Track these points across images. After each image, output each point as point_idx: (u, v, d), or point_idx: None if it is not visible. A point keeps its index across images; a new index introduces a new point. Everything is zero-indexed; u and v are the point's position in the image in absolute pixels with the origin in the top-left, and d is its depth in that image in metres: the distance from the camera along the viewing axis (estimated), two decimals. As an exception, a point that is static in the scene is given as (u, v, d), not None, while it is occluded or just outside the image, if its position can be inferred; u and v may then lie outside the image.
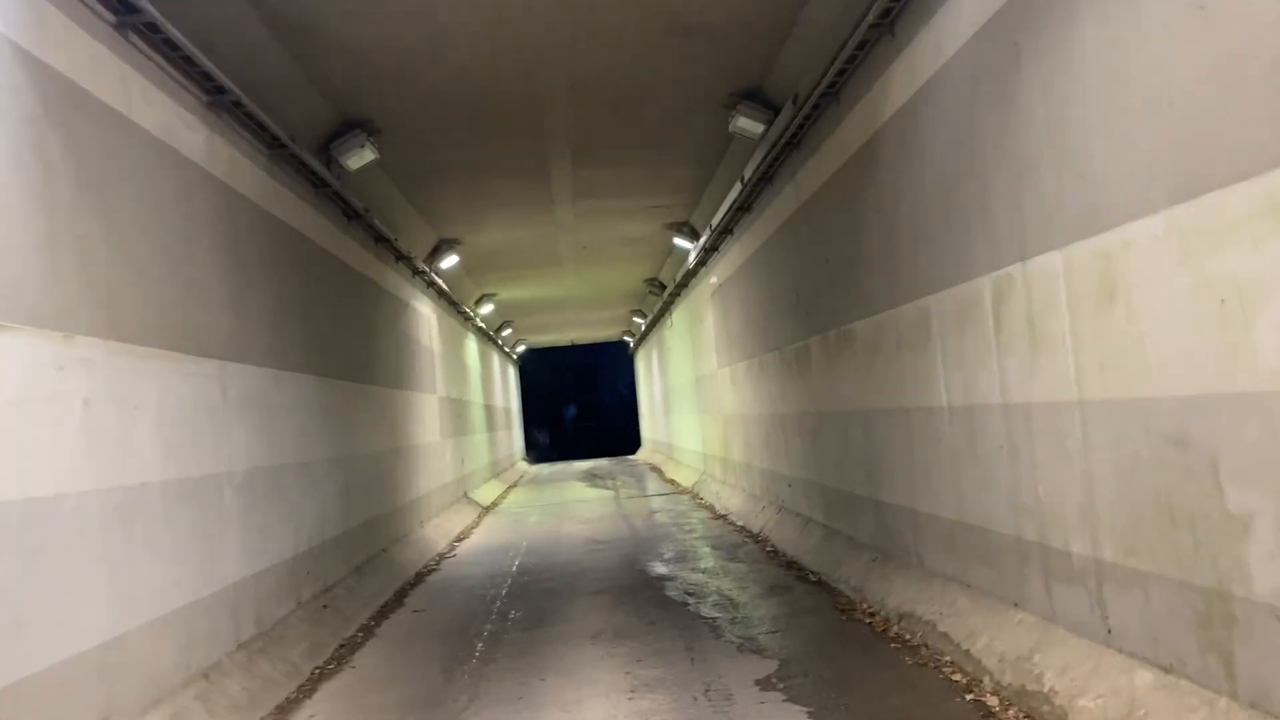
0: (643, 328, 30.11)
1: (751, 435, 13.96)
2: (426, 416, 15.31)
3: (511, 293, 22.98)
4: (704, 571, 10.23)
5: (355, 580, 9.69)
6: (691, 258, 16.76)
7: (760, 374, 12.94)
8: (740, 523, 13.52)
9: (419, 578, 11.32)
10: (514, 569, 11.49)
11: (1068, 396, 4.89)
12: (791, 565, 10.00)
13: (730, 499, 15.30)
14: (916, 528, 7.28)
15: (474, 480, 20.74)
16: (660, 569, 10.61)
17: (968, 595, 6.27)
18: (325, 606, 8.46)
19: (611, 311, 29.44)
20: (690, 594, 9.05)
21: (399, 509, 12.45)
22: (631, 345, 37.29)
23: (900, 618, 6.98)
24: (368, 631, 8.65)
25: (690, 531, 13.57)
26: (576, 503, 19.69)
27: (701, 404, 19.43)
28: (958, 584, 6.47)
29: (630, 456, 37.49)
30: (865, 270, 7.97)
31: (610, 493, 21.53)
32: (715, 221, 13.90)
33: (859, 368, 8.34)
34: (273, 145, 8.25)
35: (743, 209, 12.51)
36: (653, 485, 22.63)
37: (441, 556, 13.03)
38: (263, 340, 7.79)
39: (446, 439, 17.31)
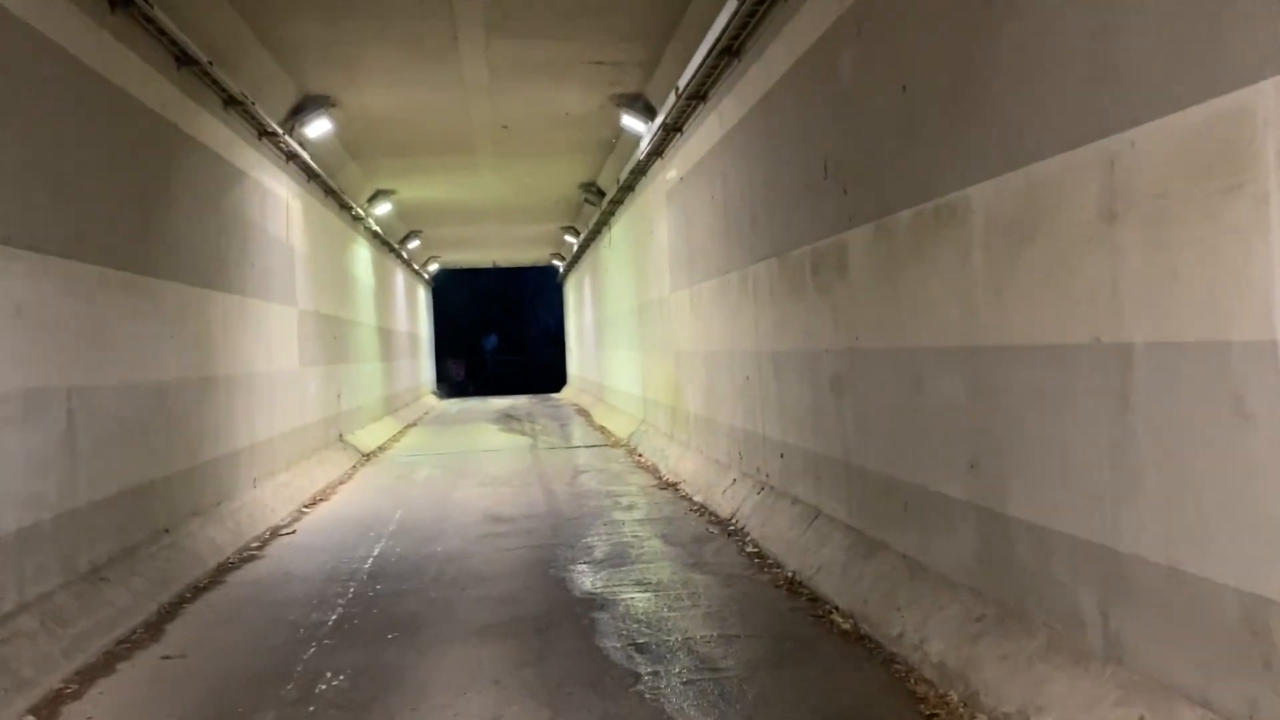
0: (575, 248, 26.10)
1: (718, 380, 10.26)
2: (275, 335, 11.25)
3: (414, 191, 18.76)
4: (657, 590, 6.54)
5: (83, 591, 5.78)
6: (644, 144, 12.83)
7: (739, 295, 9.19)
8: (699, 498, 9.86)
9: (218, 576, 7.41)
10: (368, 565, 7.66)
11: None
12: (796, 588, 6.36)
13: (682, 461, 11.64)
14: (1113, 582, 3.66)
15: (356, 419, 16.73)
16: (589, 580, 6.89)
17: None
18: (-31, 664, 4.57)
19: (539, 227, 25.35)
20: (641, 647, 5.34)
21: (207, 465, 8.47)
22: (561, 270, 33.26)
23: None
24: (53, 709, 4.77)
25: (630, 508, 9.87)
26: (483, 453, 15.85)
27: (645, 337, 15.66)
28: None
29: (554, 395, 33.68)
30: (1006, 81, 4.22)
31: (527, 440, 17.74)
32: (683, 83, 9.99)
33: (972, 272, 4.62)
34: None
35: (729, 53, 8.63)
36: (579, 433, 18.88)
37: (275, 533, 9.11)
38: None
39: (311, 366, 13.26)
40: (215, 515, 8.37)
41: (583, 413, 23.82)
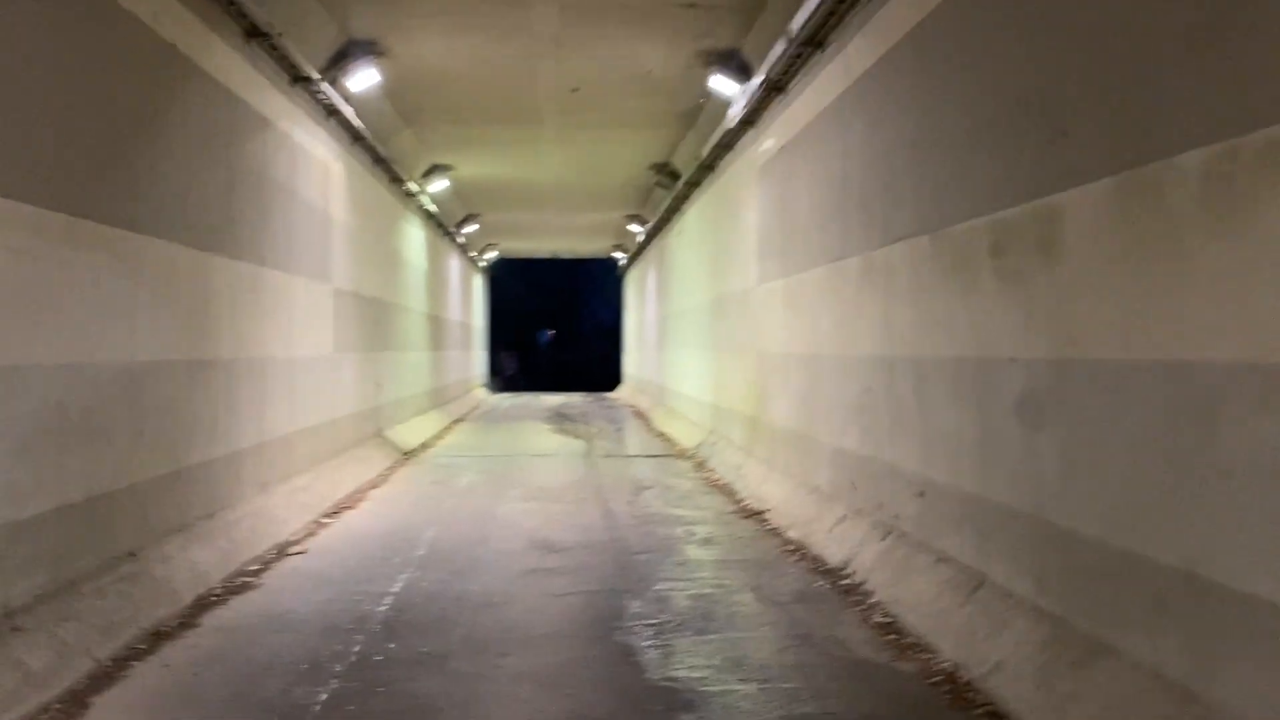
0: (640, 238, 24.39)
1: (821, 389, 8.45)
2: (301, 315, 9.68)
3: (473, 167, 17.17)
4: (763, 681, 4.76)
5: (-15, 648, 4.19)
6: (735, 109, 11.04)
7: (858, 286, 7.38)
8: (793, 535, 8.04)
9: (192, 616, 5.75)
10: (383, 609, 5.98)
11: None
12: (962, 691, 4.52)
13: (765, 484, 9.83)
14: None
15: (399, 413, 15.19)
16: (667, 656, 5.14)
17: None
18: None
19: (603, 215, 23.68)
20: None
21: (195, 469, 6.88)
22: (623, 263, 31.57)
23: None
24: None
25: (708, 541, 8.10)
26: (533, 457, 14.18)
27: (718, 336, 13.88)
28: None
29: (609, 395, 32.01)
30: None
31: (581, 444, 16.05)
32: (796, 24, 8.19)
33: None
34: None
35: (865, -20, 6.84)
36: (638, 439, 17.15)
37: (281, 551, 7.50)
38: None
39: (347, 353, 11.70)
40: (204, 531, 6.78)
41: (640, 416, 22.09)
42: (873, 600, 6.07)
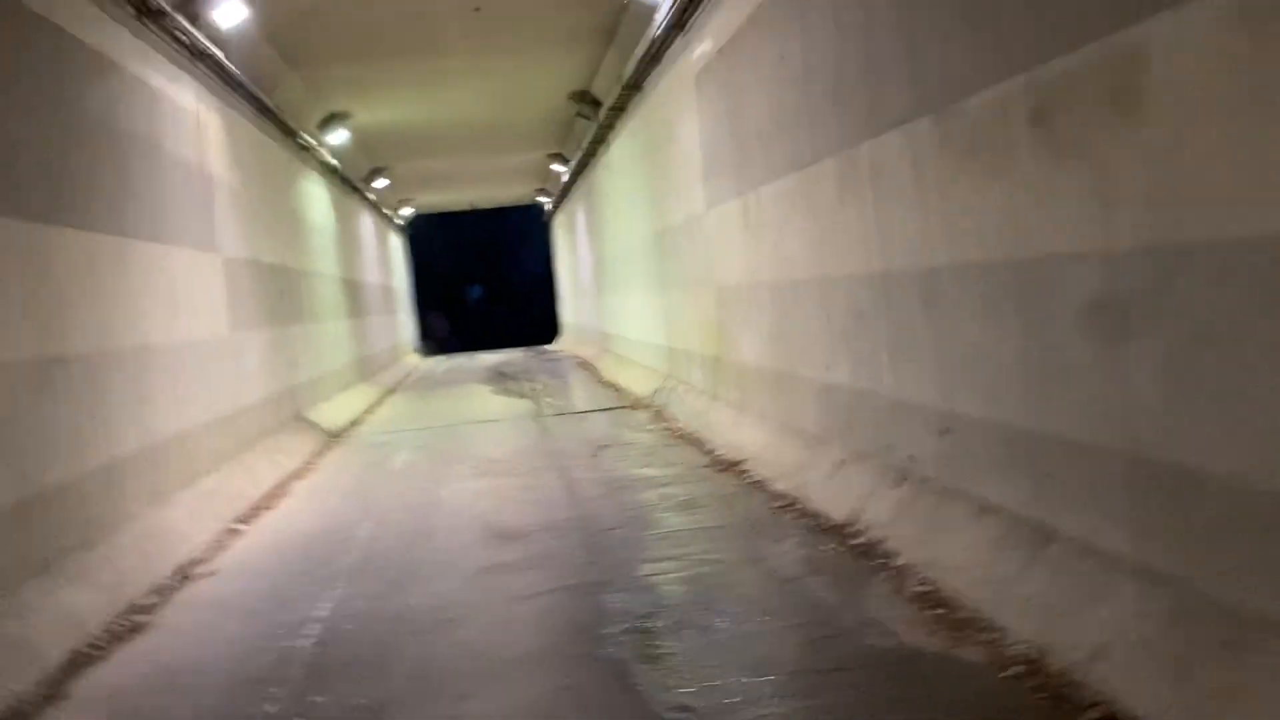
0: (564, 178, 23.00)
1: (798, 319, 7.37)
2: (184, 291, 8.26)
3: (374, 112, 15.62)
4: (808, 697, 3.72)
5: None
6: (662, 14, 9.78)
7: (837, 193, 6.27)
8: (781, 487, 7.00)
9: (57, 686, 4.47)
10: (308, 644, 4.79)
11: None
12: (1066, 689, 3.50)
13: (738, 430, 8.78)
14: None
15: (320, 390, 13.81)
16: (672, 671, 4.06)
17: None
18: None
19: (522, 156, 22.22)
20: None
21: (55, 492, 5.55)
22: (549, 207, 30.13)
23: None
24: None
25: (689, 506, 7.02)
26: (476, 424, 12.97)
27: (665, 273, 12.73)
28: None
29: (549, 347, 30.75)
30: None
31: (527, 404, 14.85)
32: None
33: None
34: None
35: None
36: (588, 392, 16.00)
37: (185, 575, 6.24)
38: None
39: (248, 330, 10.29)
40: (77, 566, 5.49)
41: (586, 366, 20.93)
42: (899, 563, 5.06)
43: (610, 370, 17.70)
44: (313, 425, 12.24)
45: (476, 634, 4.75)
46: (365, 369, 18.61)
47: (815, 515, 6.23)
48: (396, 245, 29.42)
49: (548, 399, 15.31)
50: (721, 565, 5.45)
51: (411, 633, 4.82)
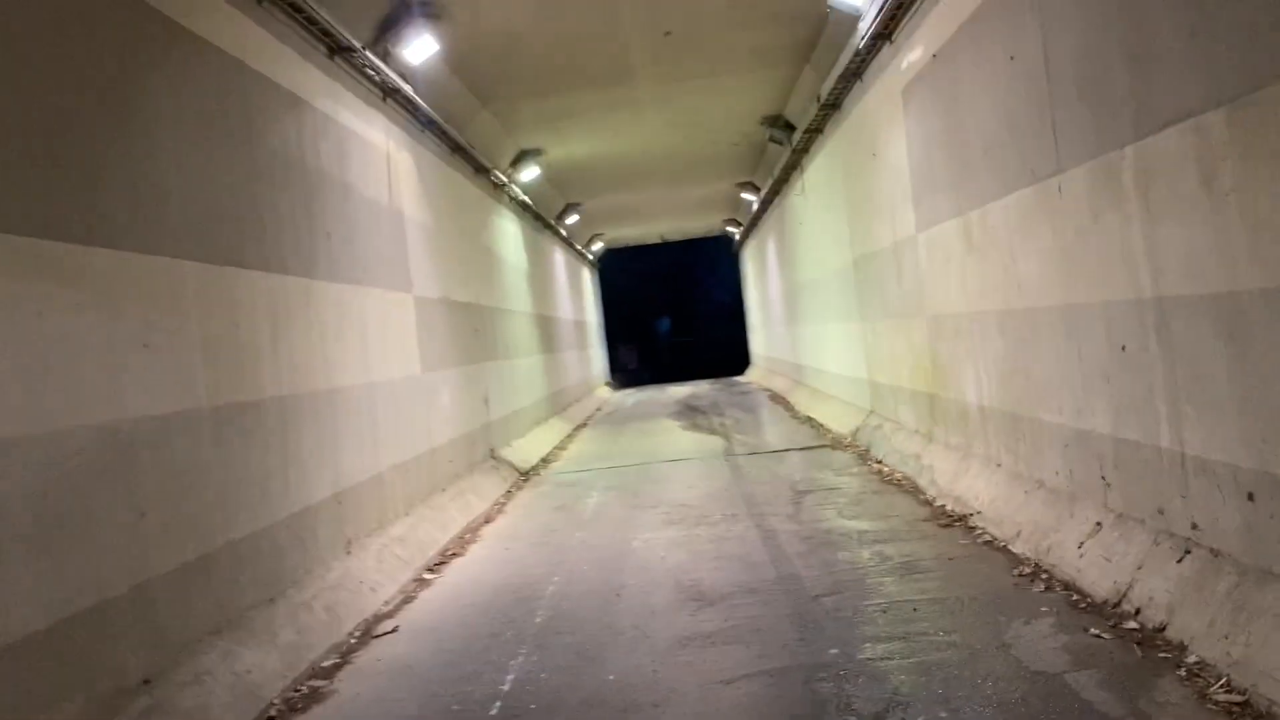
0: (754, 207, 22.37)
1: (1038, 353, 6.38)
2: (376, 332, 8.14)
3: (565, 146, 15.52)
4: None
5: None
6: (866, 23, 9.02)
7: (1088, 206, 5.32)
8: (1020, 550, 6.01)
9: (230, 760, 4.23)
10: (487, 727, 4.31)
11: None
12: None
13: (963, 479, 7.80)
14: None
15: (513, 427, 13.67)
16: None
17: None
18: None
19: (712, 187, 21.76)
20: None
21: (244, 543, 5.34)
22: (738, 237, 29.57)
23: None
24: None
25: (910, 570, 6.12)
26: (666, 464, 12.43)
27: (866, 302, 11.83)
28: None
29: (738, 379, 30.09)
30: None
31: (718, 441, 14.21)
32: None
33: None
34: None
35: None
36: (782, 429, 15.19)
37: (368, 632, 5.94)
38: None
39: (440, 370, 10.17)
40: (260, 625, 5.25)
41: (778, 400, 20.11)
42: (1190, 660, 4.05)
43: (804, 404, 16.82)
44: (504, 463, 12.05)
45: (674, 728, 4.11)
46: (557, 403, 18.53)
47: (1069, 588, 5.25)
48: (588, 279, 29.62)
49: (739, 436, 14.62)
50: (961, 651, 4.59)
51: (599, 717, 4.22)
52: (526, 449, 13.53)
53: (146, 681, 4.27)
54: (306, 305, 6.69)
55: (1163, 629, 4.38)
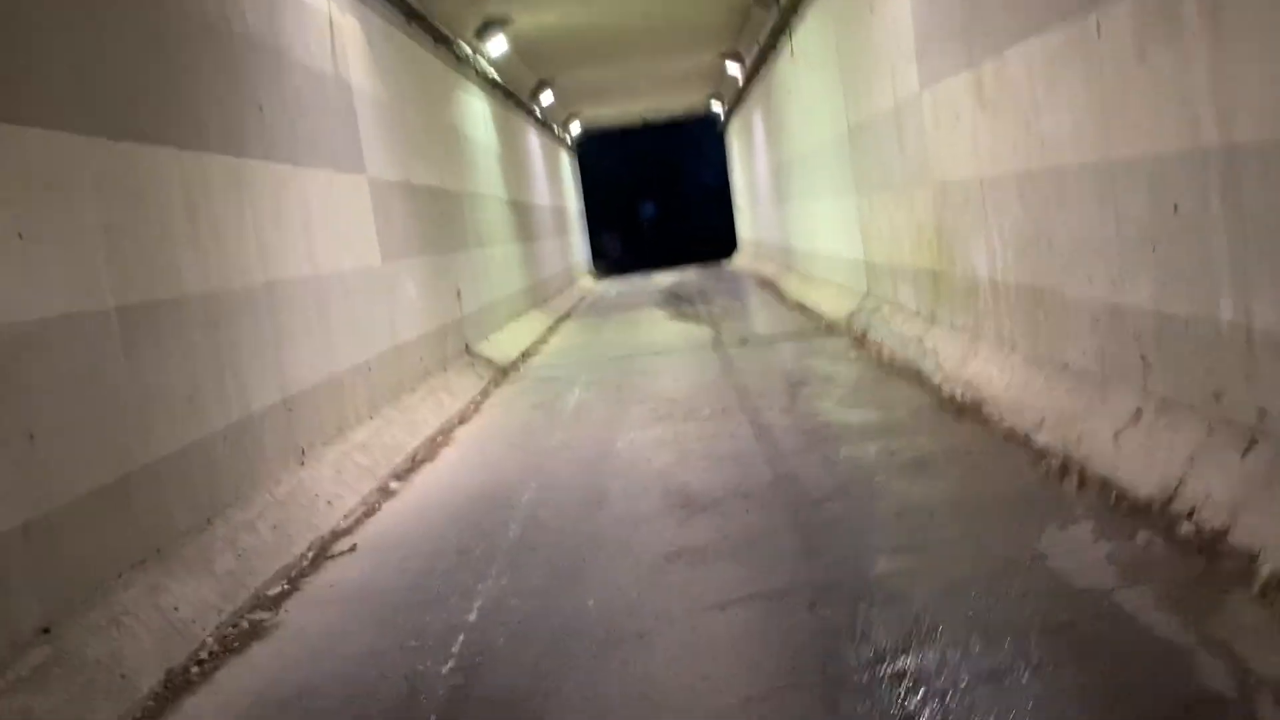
0: (740, 80, 21.19)
1: (1063, 219, 5.65)
2: (321, 219, 7.31)
3: (534, 14, 14.32)
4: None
5: None
6: None
7: (1134, 44, 4.51)
8: (1044, 440, 5.39)
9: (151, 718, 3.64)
10: (445, 672, 3.70)
11: None
12: None
13: (972, 363, 7.15)
14: None
15: (490, 321, 12.95)
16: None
17: None
18: None
19: (694, 58, 20.52)
20: None
21: (165, 464, 4.66)
22: (723, 115, 28.35)
23: None
24: None
25: (919, 467, 5.51)
26: (652, 356, 11.77)
27: (862, 173, 11.00)
28: None
29: (725, 264, 29.30)
30: None
31: (706, 330, 13.55)
32: None
33: None
34: None
35: None
36: (772, 315, 14.52)
37: (322, 552, 5.34)
38: None
39: (403, 259, 9.38)
40: (192, 552, 4.62)
41: (767, 285, 19.39)
42: (1266, 574, 3.45)
43: (795, 289, 16.11)
44: (481, 359, 11.38)
45: (660, 665, 3.52)
46: (537, 295, 17.77)
47: (1106, 486, 4.64)
48: (566, 164, 28.47)
49: (728, 324, 13.95)
50: (990, 564, 3.99)
51: (576, 661, 3.64)
52: (504, 343, 12.85)
53: (46, 630, 3.65)
54: (236, 188, 5.87)
55: (1225, 533, 3.78)
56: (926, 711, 2.93)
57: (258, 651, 4.14)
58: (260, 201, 6.17)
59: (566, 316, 18.36)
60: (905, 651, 3.31)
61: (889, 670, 3.20)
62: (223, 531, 4.93)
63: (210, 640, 4.19)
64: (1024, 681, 3.02)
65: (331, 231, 7.42)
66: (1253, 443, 3.92)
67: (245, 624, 4.41)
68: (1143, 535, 4.01)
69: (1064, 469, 5.02)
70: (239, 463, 5.38)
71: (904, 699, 3.02)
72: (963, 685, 3.04)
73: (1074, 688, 2.96)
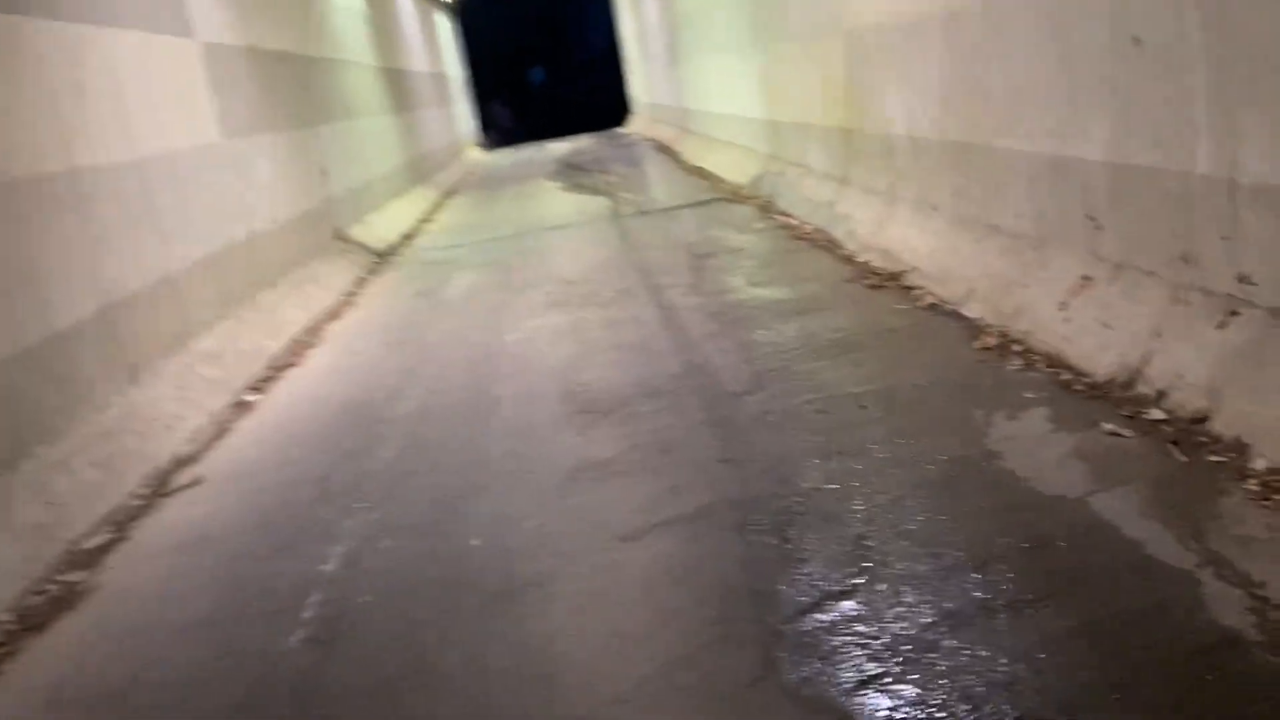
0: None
1: (997, 63, 4.97)
2: (138, 89, 6.16)
3: None
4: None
5: None
6: None
7: None
8: (979, 313, 4.87)
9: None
10: (299, 638, 3.01)
11: None
12: None
13: (891, 228, 6.54)
14: None
15: (364, 201, 11.82)
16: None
17: None
18: None
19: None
20: None
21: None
22: (608, -30, 26.60)
23: None
24: None
25: (845, 347, 4.93)
26: (546, 232, 10.89)
27: (764, 23, 10.10)
28: None
29: (620, 131, 28.05)
30: None
31: (604, 202, 12.67)
32: None
33: None
34: None
35: None
36: (672, 184, 13.68)
37: (161, 487, 4.52)
38: None
39: (255, 137, 8.22)
40: (-17, 506, 3.77)
41: (665, 150, 18.45)
42: (1262, 468, 2.98)
43: (695, 154, 15.26)
44: (355, 245, 10.35)
45: (561, 621, 2.89)
46: (419, 170, 16.51)
47: (1055, 364, 4.13)
48: (445, 28, 26.52)
49: (626, 194, 13.08)
50: (938, 467, 3.44)
51: (461, 619, 2.99)
52: (383, 226, 11.78)
53: None
54: (14, 56, 4.74)
55: (1204, 420, 3.30)
56: (887, 675, 2.37)
57: (64, 628, 3.37)
58: (51, 72, 5.05)
59: (454, 193, 17.17)
60: (852, 593, 2.73)
61: (837, 617, 2.63)
62: (29, 476, 4.07)
63: (7, 617, 3.40)
64: (988, 603, 2.48)
65: (152, 105, 6.28)
66: (1231, 314, 3.41)
67: (56, 589, 3.62)
68: (1108, 424, 3.49)
69: (1004, 346, 4.49)
70: (47, 392, 4.47)
71: (859, 655, 2.45)
72: (927, 635, 2.48)
73: (1060, 633, 2.42)
